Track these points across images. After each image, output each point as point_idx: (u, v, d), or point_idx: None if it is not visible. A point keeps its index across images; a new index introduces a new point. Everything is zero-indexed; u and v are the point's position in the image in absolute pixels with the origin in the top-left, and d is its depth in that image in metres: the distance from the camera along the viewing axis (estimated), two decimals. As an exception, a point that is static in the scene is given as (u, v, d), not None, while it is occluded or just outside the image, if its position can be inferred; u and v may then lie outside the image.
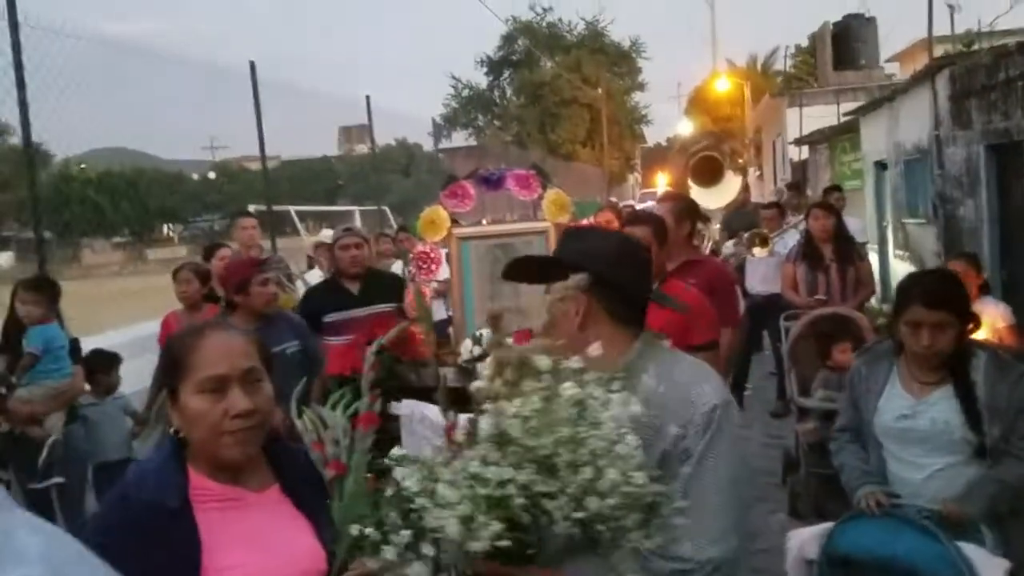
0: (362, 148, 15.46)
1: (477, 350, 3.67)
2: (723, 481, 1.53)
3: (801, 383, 4.69)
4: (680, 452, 1.52)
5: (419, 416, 3.58)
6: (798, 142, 16.51)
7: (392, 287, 4.48)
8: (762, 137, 25.76)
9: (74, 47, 5.76)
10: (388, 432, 3.54)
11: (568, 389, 1.37)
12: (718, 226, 9.09)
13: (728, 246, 6.82)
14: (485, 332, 3.75)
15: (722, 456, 1.54)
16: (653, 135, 48.34)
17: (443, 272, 4.23)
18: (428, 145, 18.96)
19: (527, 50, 36.82)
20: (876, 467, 2.64)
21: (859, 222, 7.47)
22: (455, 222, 4.27)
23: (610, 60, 38.53)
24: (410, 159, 22.10)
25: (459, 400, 3.10)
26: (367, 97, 11.23)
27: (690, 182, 8.51)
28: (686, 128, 33.31)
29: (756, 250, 6.35)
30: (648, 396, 1.50)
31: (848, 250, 5.53)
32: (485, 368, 1.47)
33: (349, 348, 3.74)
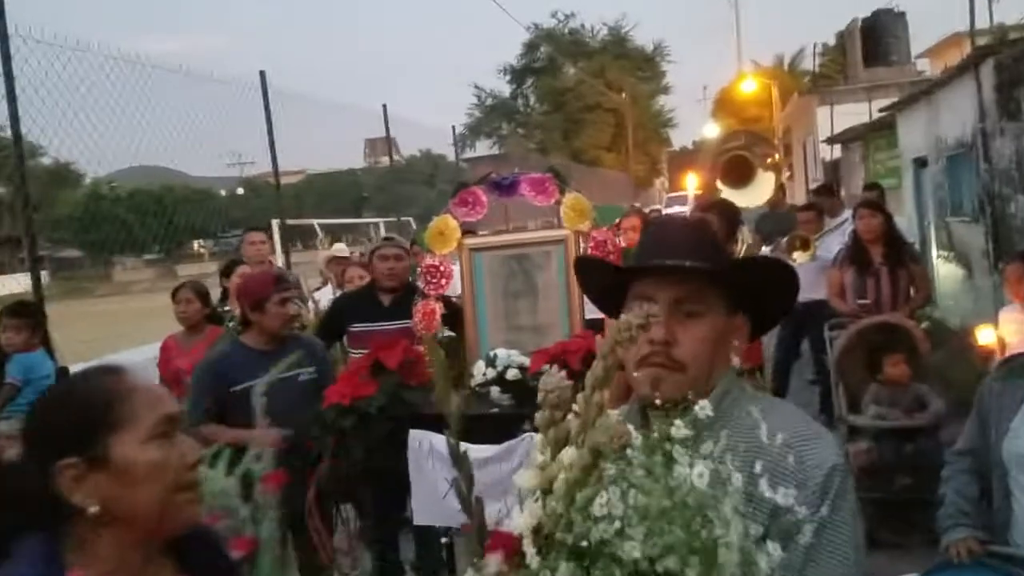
0: (387, 160, 15.32)
1: (491, 372, 3.32)
2: (849, 565, 1.20)
3: (850, 399, 4.30)
4: (790, 521, 1.17)
5: (428, 448, 3.25)
6: (830, 140, 16.04)
7: None
8: (792, 137, 25.26)
9: (101, 67, 5.86)
10: (395, 468, 3.22)
11: (698, 476, 0.97)
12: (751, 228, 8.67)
13: (765, 252, 6.39)
14: (500, 352, 3.40)
15: (844, 531, 1.21)
16: (679, 138, 47.95)
17: (455, 286, 3.88)
18: (452, 155, 18.76)
19: (550, 57, 36.62)
20: (999, 499, 2.27)
21: (904, 220, 7.04)
22: (471, 232, 3.95)
23: (634, 64, 38.30)
24: (434, 169, 21.91)
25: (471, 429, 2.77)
26: (384, 107, 11.08)
27: (719, 184, 8.10)
28: (712, 131, 32.84)
29: (797, 255, 5.92)
30: (772, 460, 1.15)
31: (899, 252, 5.06)
32: (536, 450, 1.10)
33: (352, 373, 3.42)
